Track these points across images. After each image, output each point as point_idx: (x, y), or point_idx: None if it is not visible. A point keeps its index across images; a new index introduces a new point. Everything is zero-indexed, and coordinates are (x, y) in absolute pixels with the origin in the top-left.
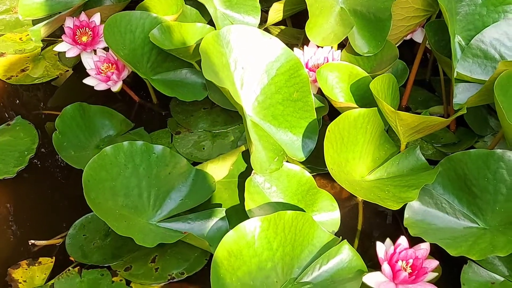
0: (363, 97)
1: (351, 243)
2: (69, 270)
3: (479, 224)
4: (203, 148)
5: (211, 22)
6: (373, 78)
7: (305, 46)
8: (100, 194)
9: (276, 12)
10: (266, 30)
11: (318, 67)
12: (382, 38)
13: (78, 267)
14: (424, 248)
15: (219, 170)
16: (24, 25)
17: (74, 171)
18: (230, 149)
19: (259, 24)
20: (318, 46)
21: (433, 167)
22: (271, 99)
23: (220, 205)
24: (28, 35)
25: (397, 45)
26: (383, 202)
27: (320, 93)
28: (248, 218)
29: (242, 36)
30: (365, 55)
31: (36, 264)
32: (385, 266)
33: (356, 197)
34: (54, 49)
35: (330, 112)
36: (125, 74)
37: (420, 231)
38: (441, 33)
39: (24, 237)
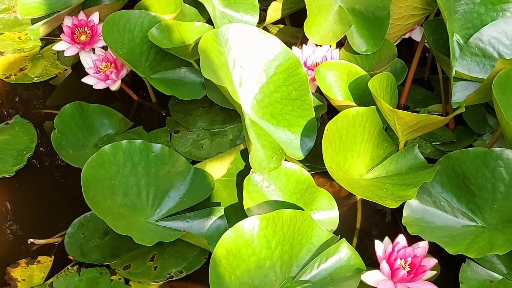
0: (362, 95)
1: (350, 241)
2: (68, 269)
3: (477, 223)
4: (202, 147)
5: (209, 21)
6: (371, 77)
7: (303, 45)
8: (98, 193)
9: (275, 11)
10: (265, 29)
11: (316, 65)
12: (381, 36)
13: (77, 266)
14: (422, 246)
15: (217, 168)
16: (23, 24)
17: (73, 170)
18: (228, 148)
19: (258, 23)
20: (316, 45)
21: (432, 166)
22: (269, 98)
23: (219, 204)
24: (27, 34)
25: (395, 44)
26: (382, 201)
27: (318, 92)
28: (246, 216)
29: (241, 35)
30: (364, 53)
31: (35, 263)
32: (384, 265)
33: (354, 195)
34: (53, 48)
35: (328, 110)
36: (123, 73)
37: (418, 229)
38: (440, 32)
39: (23, 236)
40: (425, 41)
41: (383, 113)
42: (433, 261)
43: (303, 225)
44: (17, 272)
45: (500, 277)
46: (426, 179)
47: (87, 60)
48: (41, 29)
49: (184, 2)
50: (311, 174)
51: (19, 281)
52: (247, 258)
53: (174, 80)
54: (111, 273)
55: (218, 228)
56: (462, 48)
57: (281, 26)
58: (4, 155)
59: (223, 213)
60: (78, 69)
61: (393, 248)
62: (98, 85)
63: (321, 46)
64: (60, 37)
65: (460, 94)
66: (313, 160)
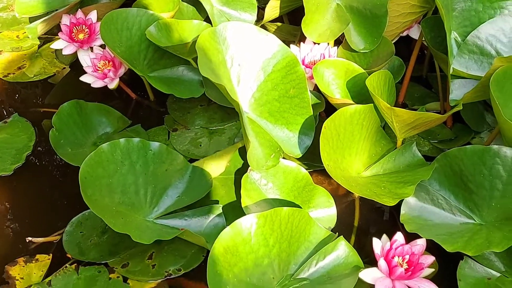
0: (360, 93)
1: (348, 239)
2: (66, 267)
3: (475, 220)
4: (200, 145)
5: (207, 19)
6: (369, 75)
7: (301, 43)
8: (96, 191)
9: (273, 9)
10: (263, 27)
11: (314, 63)
12: (378, 34)
13: (75, 264)
14: (420, 244)
15: (216, 167)
16: (21, 22)
17: (71, 168)
18: (227, 146)
19: (256, 21)
20: (314, 43)
21: (430, 163)
22: (267, 96)
23: (217, 202)
24: (25, 32)
25: (393, 42)
26: (379, 198)
27: (316, 90)
28: (244, 214)
29: (239, 33)
30: (362, 51)
31: (33, 261)
32: (382, 262)
33: (352, 193)
34: (51, 46)
35: (326, 108)
36: (121, 71)
37: (416, 227)
38: (438, 30)
39: (21, 234)
40: (423, 39)
41: (380, 111)
42: (430, 259)
43: (301, 223)
44: (15, 271)
45: (498, 274)
46: (424, 176)
47: (85, 59)
48: (39, 27)
49: (182, 0)
50: (309, 172)
51: (17, 280)
52: (245, 256)
53: (172, 79)
54: (110, 271)
55: (216, 226)
56: (459, 46)
57: (279, 24)
58: (3, 154)
59: (221, 211)
60: (76, 67)
61: (391, 245)
62: (96, 83)
63: (319, 44)
64: (58, 35)
65: (457, 91)
66: (311, 158)
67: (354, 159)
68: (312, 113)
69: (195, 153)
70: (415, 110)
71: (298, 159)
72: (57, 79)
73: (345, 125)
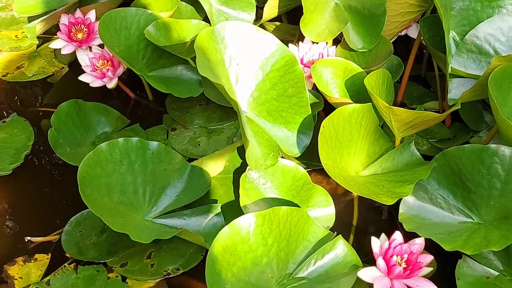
0: (358, 92)
1: (347, 238)
2: (65, 266)
3: (473, 219)
4: (199, 144)
5: (206, 19)
6: (367, 74)
7: (300, 42)
8: (95, 191)
9: (271, 8)
10: (262, 26)
11: (313, 63)
12: (377, 33)
13: (74, 263)
14: (418, 243)
15: (214, 166)
16: (19, 22)
17: (69, 167)
18: (225, 145)
19: (255, 21)
20: (313, 42)
21: (428, 163)
22: (266, 95)
23: (215, 201)
24: (23, 32)
25: (392, 41)
26: (378, 197)
27: (315, 89)
28: (243, 214)
29: (237, 32)
30: (360, 50)
31: (32, 261)
32: (380, 261)
33: (351, 192)
34: (50, 46)
35: (325, 107)
36: (120, 71)
37: (415, 226)
38: (436, 29)
39: (20, 233)
40: (421, 38)
41: (379, 110)
42: (429, 258)
43: (299, 222)
44: (14, 270)
45: (496, 273)
46: (422, 175)
47: (83, 58)
48: (38, 27)
49: (180, 0)
50: (308, 171)
51: (16, 279)
52: (244, 255)
53: (171, 78)
54: (108, 270)
55: (215, 225)
56: (458, 45)
57: (277, 23)
58: (1, 153)
59: (220, 210)
60: (75, 67)
61: (390, 244)
62: (95, 83)
63: (317, 43)
64: (57, 35)
65: (456, 91)
66: (310, 157)
67: (353, 158)
68: (310, 112)
69: (194, 153)
70: (414, 109)
71: (297, 158)
72: (56, 79)
73: (343, 124)
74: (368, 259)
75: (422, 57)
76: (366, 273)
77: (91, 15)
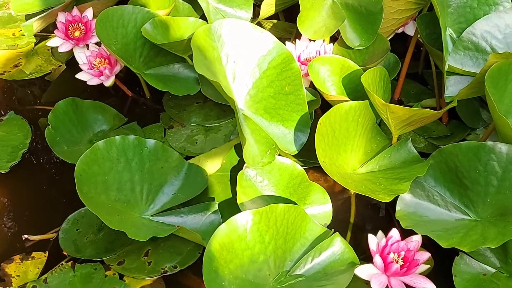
0: (355, 90)
1: (344, 236)
2: (62, 264)
3: (470, 216)
4: (196, 142)
5: (203, 17)
6: (364, 71)
7: (297, 40)
8: (92, 189)
9: (269, 6)
10: (259, 24)
11: (310, 60)
12: (374, 31)
13: (71, 261)
14: (415, 240)
15: (211, 164)
16: (17, 20)
17: (67, 166)
18: (222, 143)
19: (252, 18)
20: (310, 40)
21: (425, 160)
22: (263, 93)
23: (213, 199)
24: (21, 30)
25: (388, 38)
26: (375, 195)
27: (312, 87)
28: (240, 211)
29: (234, 30)
30: (357, 48)
31: (30, 259)
32: (377, 258)
33: (348, 190)
34: (47, 44)
35: (322, 105)
36: (117, 69)
37: (411, 223)
38: (433, 26)
39: (17, 232)
40: (418, 35)
41: (376, 107)
42: (426, 255)
43: (296, 220)
44: (11, 268)
45: (493, 270)
46: (419, 173)
47: (81, 56)
48: (35, 25)
49: None
50: (305, 169)
51: (13, 277)
52: (241, 252)
53: (168, 76)
54: (106, 268)
55: (212, 223)
56: (455, 43)
57: (275, 21)
58: None
59: (217, 208)
60: (72, 65)
61: (387, 242)
62: (92, 81)
63: (314, 41)
64: (54, 33)
65: (453, 88)
66: (307, 155)
67: (350, 156)
68: (307, 110)
69: (191, 150)
70: (411, 106)
71: (294, 156)
72: (53, 77)
73: (340, 122)
74: (365, 257)
75: (419, 54)
76: (363, 270)
77: (88, 13)
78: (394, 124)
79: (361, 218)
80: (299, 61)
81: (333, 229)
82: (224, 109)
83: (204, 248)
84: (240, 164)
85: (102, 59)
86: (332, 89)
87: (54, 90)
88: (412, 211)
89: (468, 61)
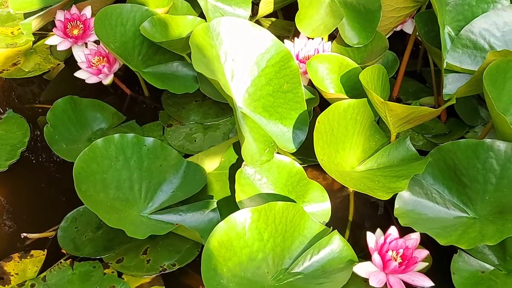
0: (354, 88)
1: (342, 233)
2: (61, 262)
3: (468, 214)
4: (195, 141)
5: (202, 15)
6: (363, 69)
7: (295, 38)
8: (91, 187)
9: (267, 4)
10: (257, 22)
11: (308, 58)
12: (372, 29)
13: (70, 259)
14: (414, 238)
15: (210, 162)
16: (15, 19)
17: (65, 164)
18: (221, 141)
19: (250, 17)
20: (308, 38)
21: (424, 158)
22: (261, 91)
23: (211, 197)
24: (19, 29)
25: (387, 36)
26: (373, 192)
27: (310, 85)
28: (239, 209)
29: (232, 28)
30: (355, 46)
31: (28, 257)
32: (375, 256)
33: (347, 188)
34: (46, 42)
35: (320, 103)
36: (116, 67)
37: (410, 221)
38: (431, 24)
39: (16, 230)
40: (417, 33)
41: (374, 105)
42: (424, 253)
43: (295, 217)
44: (10, 266)
45: (492, 267)
46: (418, 171)
47: (79, 54)
48: (33, 23)
49: None
50: (304, 167)
51: (12, 275)
52: (239, 250)
53: (167, 74)
54: (104, 266)
55: (211, 221)
56: (453, 40)
57: (273, 19)
58: None
59: (216, 206)
60: (71, 63)
61: (385, 239)
62: (91, 79)
63: (313, 39)
64: (52, 31)
65: (451, 86)
66: (306, 153)
67: (348, 154)
68: (306, 108)
69: (190, 149)
70: (409, 104)
71: (293, 154)
72: (52, 75)
73: (339, 120)
74: (364, 254)
75: (418, 52)
76: (362, 268)
77: (87, 11)
78: (393, 122)
79: (360, 216)
80: (297, 59)
81: (331, 227)
82: (222, 107)
83: (203, 246)
84: (239, 162)
85: (101, 58)
86: (330, 87)
87: (52, 89)
88: (410, 209)
89: (466, 59)
